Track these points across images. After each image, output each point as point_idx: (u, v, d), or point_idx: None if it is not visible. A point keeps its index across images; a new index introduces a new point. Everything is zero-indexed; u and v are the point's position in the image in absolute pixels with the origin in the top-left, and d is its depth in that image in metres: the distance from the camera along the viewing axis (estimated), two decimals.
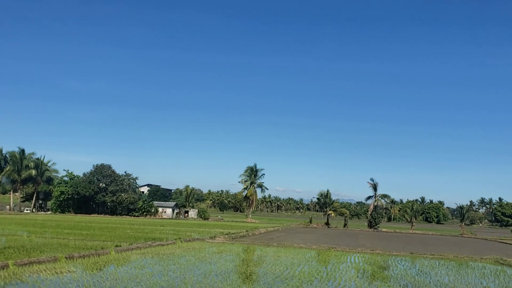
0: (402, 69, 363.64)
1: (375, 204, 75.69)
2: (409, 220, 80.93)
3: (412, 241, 49.18)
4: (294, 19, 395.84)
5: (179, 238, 31.53)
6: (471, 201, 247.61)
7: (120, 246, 24.35)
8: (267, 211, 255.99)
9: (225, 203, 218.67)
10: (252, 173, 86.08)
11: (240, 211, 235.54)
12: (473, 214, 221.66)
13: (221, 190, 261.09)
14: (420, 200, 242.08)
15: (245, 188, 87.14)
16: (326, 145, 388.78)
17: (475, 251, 36.36)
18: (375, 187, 75.97)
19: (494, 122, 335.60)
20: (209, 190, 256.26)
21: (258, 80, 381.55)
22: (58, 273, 15.75)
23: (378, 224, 74.11)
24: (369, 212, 76.82)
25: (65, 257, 19.11)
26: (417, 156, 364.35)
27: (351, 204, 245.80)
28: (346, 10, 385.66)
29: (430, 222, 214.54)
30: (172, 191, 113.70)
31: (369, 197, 78.47)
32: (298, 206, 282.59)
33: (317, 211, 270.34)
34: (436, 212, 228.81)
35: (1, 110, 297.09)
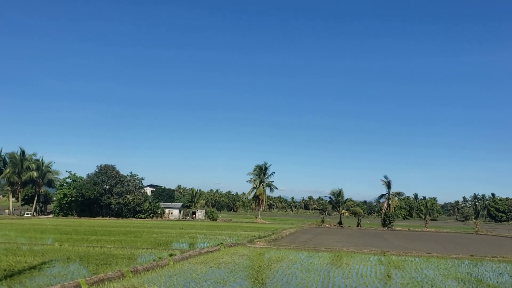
0: (394, 66, 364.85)
1: (389, 202, 74.17)
2: (423, 217, 79.74)
3: (443, 240, 47.66)
4: (287, 15, 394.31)
5: (221, 243, 29.42)
6: (464, 197, 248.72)
7: (175, 255, 22.18)
8: (258, 209, 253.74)
9: (222, 203, 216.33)
10: (261, 171, 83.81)
11: (234, 211, 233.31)
12: (467, 210, 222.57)
13: (211, 190, 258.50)
14: (413, 196, 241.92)
15: (254, 188, 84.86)
16: (309, 143, 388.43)
17: None
18: (388, 185, 74.48)
19: (486, 119, 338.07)
20: (200, 190, 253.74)
21: (243, 78, 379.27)
22: None
23: (392, 222, 72.62)
24: (383, 211, 75.29)
25: (131, 271, 17.00)
26: (407, 153, 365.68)
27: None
28: (337, 6, 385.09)
29: (424, 219, 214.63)
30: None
31: (382, 195, 76.96)
32: (291, 205, 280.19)
33: (307, 209, 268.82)
34: (431, 209, 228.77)
35: None
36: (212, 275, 17.33)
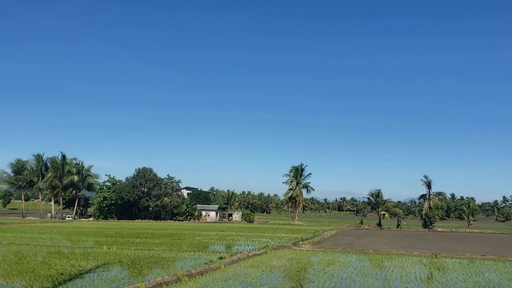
0: (420, 62, 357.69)
1: (430, 203, 72.20)
2: (466, 218, 77.27)
3: (491, 241, 45.91)
4: (304, 14, 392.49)
5: (267, 246, 29.06)
6: (504, 197, 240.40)
7: (224, 258, 21.96)
8: (291, 211, 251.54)
9: (255, 205, 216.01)
10: (298, 173, 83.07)
11: (267, 212, 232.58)
12: (507, 210, 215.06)
13: (243, 191, 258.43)
14: (450, 196, 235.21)
15: (290, 189, 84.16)
16: (340, 144, 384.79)
17: None
18: (429, 185, 72.48)
19: None
20: (233, 191, 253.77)
21: (271, 78, 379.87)
22: None
23: (433, 223, 70.61)
24: (424, 212, 73.33)
25: (186, 275, 16.84)
26: (440, 152, 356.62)
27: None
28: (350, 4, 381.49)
29: (462, 219, 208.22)
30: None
31: (422, 196, 74.97)
32: (324, 206, 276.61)
33: (340, 210, 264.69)
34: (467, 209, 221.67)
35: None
36: (267, 279, 17.01)
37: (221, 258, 21.94)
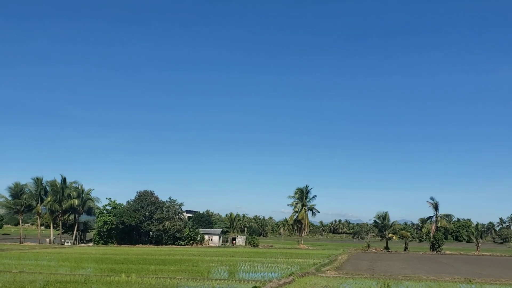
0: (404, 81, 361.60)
1: (438, 224, 71.23)
2: (475, 241, 76.18)
3: (510, 265, 44.89)
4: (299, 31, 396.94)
5: (293, 273, 27.77)
6: (500, 218, 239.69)
7: (259, 287, 20.71)
8: (287, 234, 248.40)
9: (253, 228, 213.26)
10: (303, 195, 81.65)
11: (263, 236, 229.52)
12: (505, 232, 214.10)
13: (238, 214, 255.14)
14: (446, 218, 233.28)
15: (296, 212, 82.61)
16: (329, 163, 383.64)
17: None
18: (436, 207, 71.66)
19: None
20: (236, 214, 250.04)
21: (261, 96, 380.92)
22: None
23: (441, 246, 69.51)
24: (431, 234, 72.22)
25: None
26: (432, 173, 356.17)
27: (367, 224, 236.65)
28: (344, 21, 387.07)
29: (460, 241, 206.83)
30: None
31: (428, 218, 74.07)
32: (320, 229, 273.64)
33: (335, 233, 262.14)
34: (466, 231, 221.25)
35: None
36: None
37: (255, 287, 20.72)
